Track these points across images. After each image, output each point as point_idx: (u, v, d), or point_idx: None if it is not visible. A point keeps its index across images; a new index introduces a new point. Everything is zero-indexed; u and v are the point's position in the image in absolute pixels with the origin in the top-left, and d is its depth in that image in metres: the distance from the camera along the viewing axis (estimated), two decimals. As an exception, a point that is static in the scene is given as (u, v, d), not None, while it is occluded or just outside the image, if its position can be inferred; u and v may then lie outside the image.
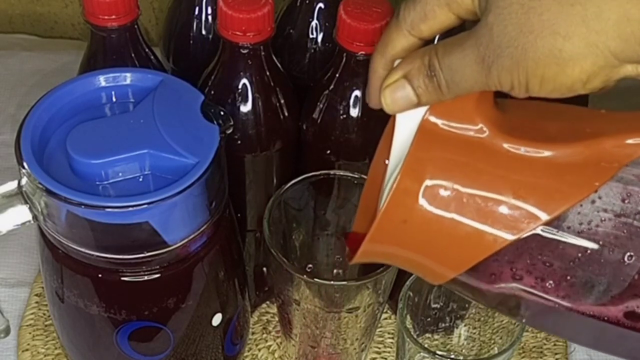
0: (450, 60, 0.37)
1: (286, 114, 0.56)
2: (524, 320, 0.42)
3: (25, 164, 0.45)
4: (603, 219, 0.38)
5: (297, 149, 0.59)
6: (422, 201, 0.38)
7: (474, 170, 0.38)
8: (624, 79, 0.36)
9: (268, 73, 0.54)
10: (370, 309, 0.54)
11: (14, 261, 0.70)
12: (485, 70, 0.36)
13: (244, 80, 0.54)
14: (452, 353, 0.62)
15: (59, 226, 0.46)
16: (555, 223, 0.38)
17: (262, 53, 0.53)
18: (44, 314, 0.66)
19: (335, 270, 0.60)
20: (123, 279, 0.48)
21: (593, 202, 0.38)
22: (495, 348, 0.58)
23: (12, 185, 0.47)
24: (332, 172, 0.55)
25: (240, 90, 0.54)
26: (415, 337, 0.53)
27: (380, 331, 0.66)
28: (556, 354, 0.65)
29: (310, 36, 0.61)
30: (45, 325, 0.65)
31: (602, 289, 0.38)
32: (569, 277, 0.39)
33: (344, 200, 0.55)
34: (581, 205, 0.38)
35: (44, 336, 0.65)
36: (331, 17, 0.59)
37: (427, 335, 0.61)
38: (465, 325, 0.61)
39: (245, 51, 0.52)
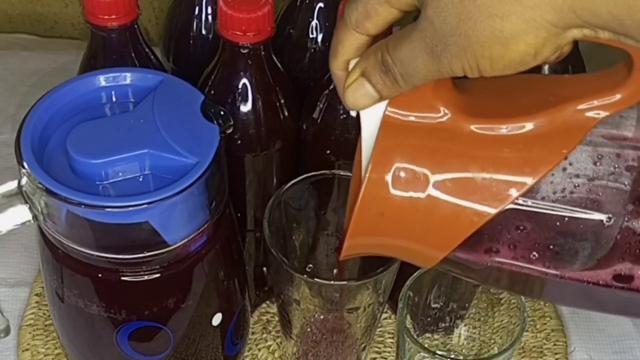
0: (400, 54, 0.37)
1: (286, 113, 0.56)
2: (520, 294, 0.42)
3: (25, 164, 0.45)
4: (577, 184, 0.38)
5: (297, 148, 0.59)
6: (394, 191, 0.39)
7: (441, 153, 0.39)
8: None
9: (268, 73, 0.54)
10: (370, 309, 0.54)
11: (14, 261, 0.70)
12: (435, 59, 0.36)
13: (244, 80, 0.53)
14: (452, 353, 0.62)
15: (59, 226, 0.46)
16: (529, 195, 0.38)
17: (262, 53, 0.53)
18: (44, 314, 0.66)
19: (335, 270, 0.60)
20: (123, 278, 0.48)
21: (564, 169, 0.38)
22: (495, 348, 0.58)
23: (12, 185, 0.47)
24: (332, 171, 0.55)
25: (240, 90, 0.54)
26: (415, 337, 0.53)
27: (380, 331, 0.66)
28: (556, 353, 0.65)
29: (310, 36, 0.61)
30: (45, 325, 0.65)
31: (587, 253, 0.38)
32: (551, 247, 0.39)
33: (344, 200, 0.55)
34: (553, 175, 0.38)
35: (44, 336, 0.65)
36: (331, 17, 0.59)
37: (427, 335, 0.61)
38: (465, 325, 0.61)
39: (245, 51, 0.52)
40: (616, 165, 0.38)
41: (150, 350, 0.53)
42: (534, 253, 0.39)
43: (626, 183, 0.38)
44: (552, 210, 0.38)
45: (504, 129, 0.39)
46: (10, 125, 0.80)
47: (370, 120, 0.40)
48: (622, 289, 0.39)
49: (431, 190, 0.38)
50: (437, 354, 0.51)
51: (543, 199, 0.38)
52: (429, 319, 0.60)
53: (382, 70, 0.38)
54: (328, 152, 0.57)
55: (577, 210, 0.38)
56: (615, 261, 0.38)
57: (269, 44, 0.53)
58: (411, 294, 0.55)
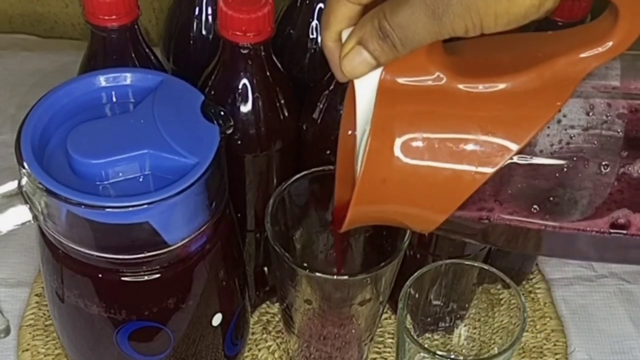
0: (399, 19, 0.38)
1: (286, 114, 0.56)
2: (518, 249, 0.43)
3: (25, 164, 0.45)
4: (572, 135, 0.39)
5: (297, 149, 0.59)
6: (396, 157, 0.39)
7: (439, 116, 0.39)
8: None
9: (268, 73, 0.54)
10: (371, 305, 0.54)
11: (14, 261, 0.70)
12: (437, 21, 0.37)
13: (244, 81, 0.54)
14: (452, 353, 0.62)
15: (59, 226, 0.46)
16: (527, 150, 0.39)
17: (262, 53, 0.53)
18: (44, 314, 0.66)
19: (335, 269, 0.60)
20: (123, 279, 0.48)
21: (559, 121, 0.39)
22: (495, 348, 0.58)
23: (12, 185, 0.47)
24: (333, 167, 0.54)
25: (240, 91, 0.54)
26: (415, 337, 0.53)
27: (380, 331, 0.66)
28: (556, 354, 0.65)
29: (311, 36, 0.61)
30: (45, 325, 0.65)
31: (586, 202, 0.40)
32: (551, 198, 0.40)
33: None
34: (548, 128, 0.39)
35: (44, 336, 0.65)
36: (331, 17, 0.59)
37: (427, 335, 0.61)
38: (465, 325, 0.61)
39: (245, 51, 0.52)
40: (608, 114, 0.39)
41: (150, 351, 0.53)
42: (535, 206, 0.40)
43: (619, 130, 0.39)
44: (550, 161, 0.39)
45: (497, 87, 0.39)
46: (10, 125, 0.80)
47: (365, 89, 0.40)
48: (620, 235, 0.40)
49: (432, 153, 0.39)
50: (437, 354, 0.51)
51: (541, 151, 0.39)
52: (429, 319, 0.60)
53: (380, 36, 0.38)
54: (328, 152, 0.57)
55: (575, 160, 0.39)
56: (613, 208, 0.39)
57: (269, 44, 0.53)
58: (411, 293, 0.55)
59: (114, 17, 0.53)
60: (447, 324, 0.61)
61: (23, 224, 0.48)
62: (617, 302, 0.70)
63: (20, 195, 0.47)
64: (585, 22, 0.57)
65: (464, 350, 0.62)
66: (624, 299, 0.70)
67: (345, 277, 0.52)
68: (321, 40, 0.42)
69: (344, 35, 0.40)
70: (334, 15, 0.41)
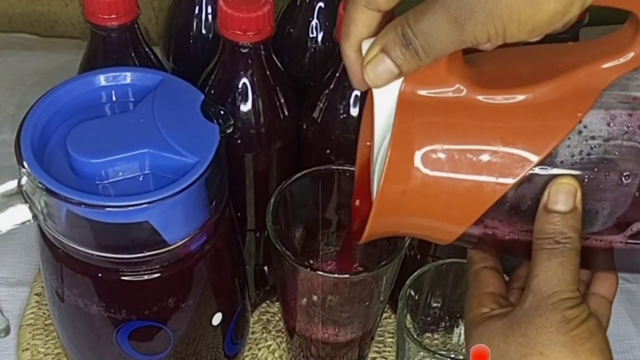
0: (422, 26, 0.37)
1: (286, 113, 0.56)
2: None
3: (25, 163, 0.45)
4: (593, 146, 0.39)
5: (297, 148, 0.59)
6: (416, 169, 0.39)
7: (459, 128, 0.39)
8: None
9: (268, 72, 0.54)
10: (371, 306, 0.54)
11: (14, 260, 0.70)
12: (459, 28, 0.36)
13: (244, 80, 0.53)
14: (452, 352, 0.62)
15: (59, 225, 0.46)
16: (547, 161, 0.39)
17: (262, 52, 0.53)
18: (44, 314, 0.66)
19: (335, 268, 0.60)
20: (123, 278, 0.48)
21: (580, 132, 0.39)
22: (496, 347, 0.58)
23: (12, 184, 0.47)
24: (336, 167, 0.54)
25: (240, 90, 0.54)
26: (415, 336, 0.53)
27: (380, 331, 0.66)
28: (556, 353, 0.65)
29: (311, 35, 0.61)
30: (45, 325, 0.65)
31: (607, 213, 0.39)
32: None
33: (348, 198, 0.55)
34: (569, 138, 0.39)
35: (44, 335, 0.65)
36: (331, 16, 0.59)
37: (427, 334, 0.61)
38: (465, 325, 0.61)
39: (245, 50, 0.52)
40: (629, 125, 0.39)
41: (150, 350, 0.53)
42: None
43: None
44: (571, 173, 0.39)
45: (517, 98, 0.39)
46: (10, 124, 0.80)
47: (385, 100, 0.40)
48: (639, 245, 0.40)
49: (452, 165, 0.39)
50: (437, 354, 0.51)
51: (562, 162, 0.39)
52: (429, 318, 0.60)
53: (403, 44, 0.38)
54: (328, 151, 0.57)
55: (595, 171, 0.39)
56: (635, 218, 0.39)
57: (269, 43, 0.53)
58: (411, 293, 0.55)
59: (113, 16, 0.53)
60: (447, 323, 0.61)
61: (23, 223, 0.48)
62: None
63: (20, 195, 0.47)
64: (582, 24, 0.56)
65: (464, 350, 0.62)
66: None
67: (346, 275, 0.52)
68: (341, 51, 0.41)
69: (364, 46, 0.40)
70: (354, 24, 0.40)
